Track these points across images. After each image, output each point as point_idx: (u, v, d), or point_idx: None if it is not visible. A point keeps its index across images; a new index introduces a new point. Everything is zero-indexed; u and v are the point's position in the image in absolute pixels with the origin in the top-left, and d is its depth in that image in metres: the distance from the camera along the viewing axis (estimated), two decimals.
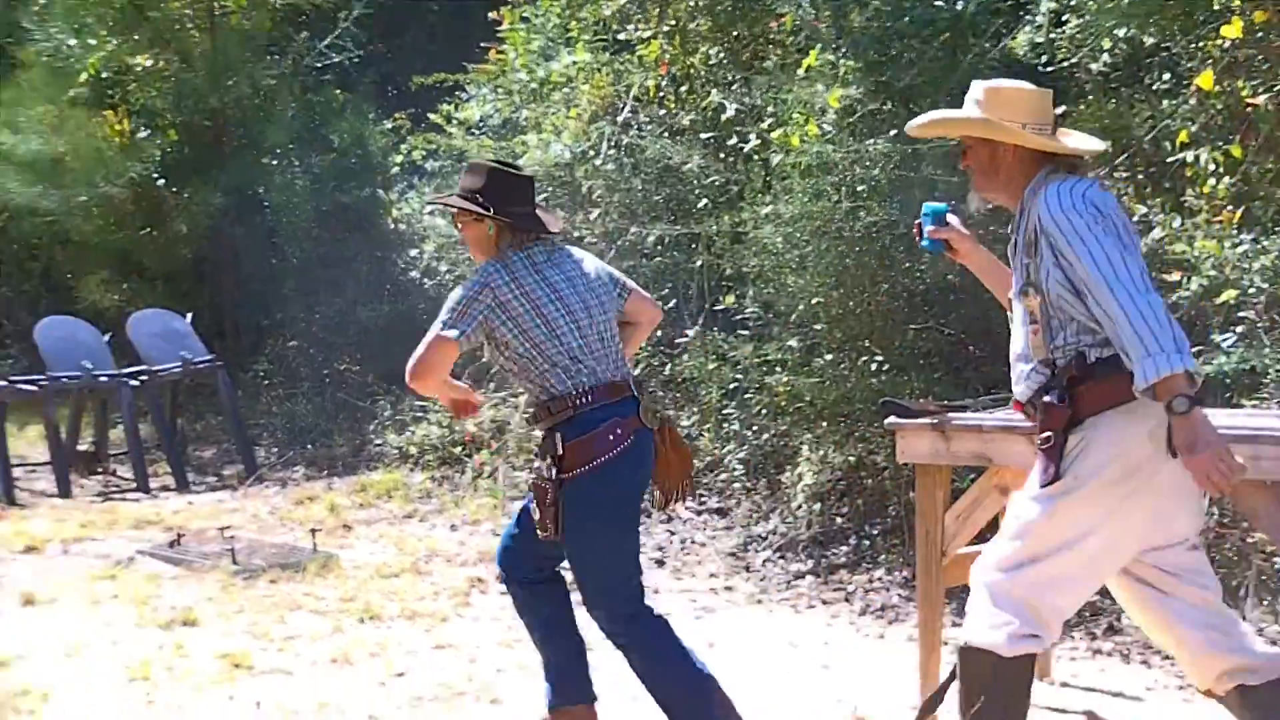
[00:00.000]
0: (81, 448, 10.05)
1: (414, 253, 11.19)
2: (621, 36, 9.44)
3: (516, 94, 10.18)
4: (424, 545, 7.67)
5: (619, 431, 4.23)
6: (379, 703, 5.08)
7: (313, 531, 7.58)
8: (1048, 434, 3.69)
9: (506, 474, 8.70)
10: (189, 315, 10.54)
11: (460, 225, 4.53)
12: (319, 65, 13.10)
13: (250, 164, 12.11)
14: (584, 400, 4.25)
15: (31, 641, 5.82)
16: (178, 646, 5.75)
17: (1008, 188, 3.88)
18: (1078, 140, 3.93)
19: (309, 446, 10.50)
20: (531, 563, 4.53)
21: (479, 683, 5.33)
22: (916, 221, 4.29)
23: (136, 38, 12.11)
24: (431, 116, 10.97)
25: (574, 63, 9.58)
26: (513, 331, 4.26)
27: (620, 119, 9.20)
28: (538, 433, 4.31)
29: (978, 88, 3.92)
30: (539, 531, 4.31)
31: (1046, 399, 3.70)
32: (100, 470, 10.03)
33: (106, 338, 10.27)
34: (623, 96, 9.27)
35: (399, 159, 11.92)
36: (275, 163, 12.17)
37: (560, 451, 4.22)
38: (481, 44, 10.65)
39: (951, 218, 4.25)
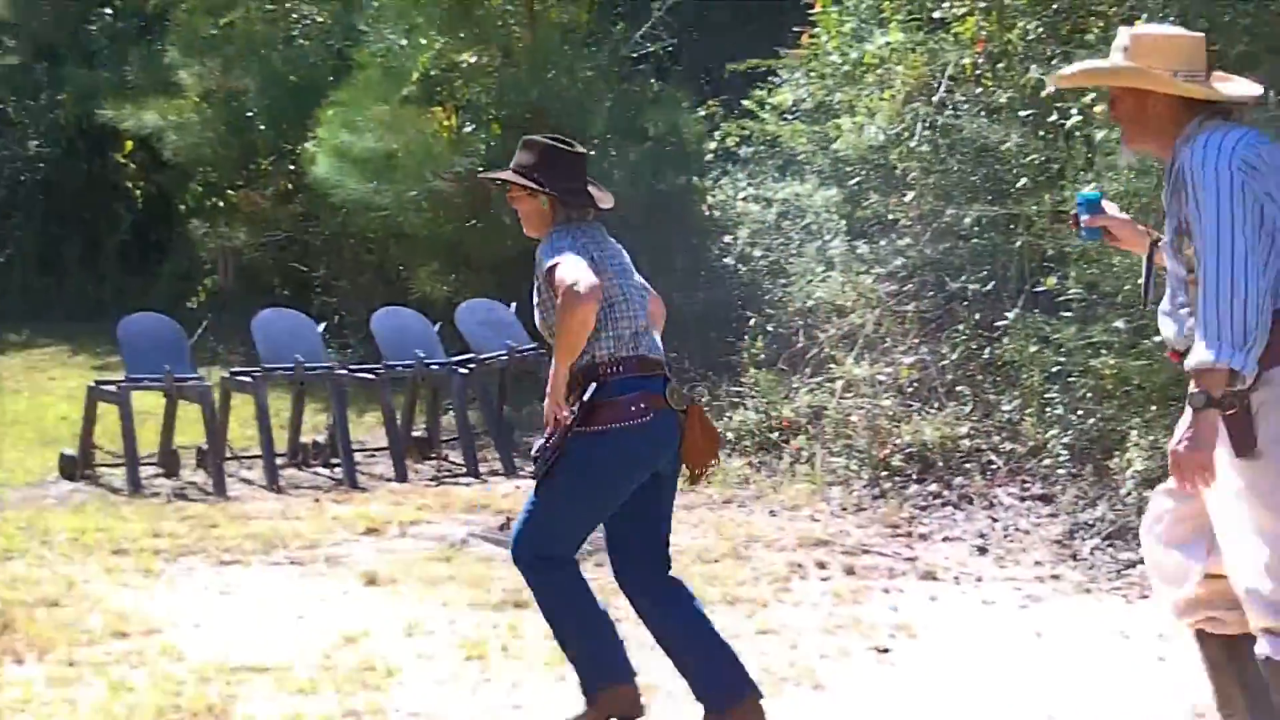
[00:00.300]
0: (415, 433, 10.44)
1: (728, 239, 11.26)
2: (936, 15, 9.29)
3: (829, 77, 10.13)
4: (743, 530, 7.74)
5: (642, 405, 4.42)
6: None
7: None
8: (1227, 401, 3.51)
9: (824, 460, 8.69)
10: (513, 305, 10.84)
11: (513, 200, 4.70)
12: (634, 55, 13.30)
13: None
14: (615, 370, 4.45)
15: (375, 619, 6.11)
16: (511, 627, 5.95)
17: (1159, 138, 3.78)
18: (1234, 86, 3.79)
19: None
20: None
21: (801, 668, 5.37)
22: (1072, 213, 4.27)
23: (462, 35, 12.50)
24: (744, 103, 11.03)
25: (887, 44, 9.48)
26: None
27: (935, 99, 9.07)
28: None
29: (1124, 35, 3.81)
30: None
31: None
32: (433, 455, 10.39)
33: (436, 327, 10.65)
34: (938, 76, 9.14)
35: (713, 146, 12.01)
36: (593, 153, 12.41)
37: (587, 401, 4.41)
38: (794, 28, 10.64)
39: (1107, 204, 4.20)
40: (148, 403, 10.50)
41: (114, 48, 18.90)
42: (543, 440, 4.51)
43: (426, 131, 12.34)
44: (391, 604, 6.42)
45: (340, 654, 5.61)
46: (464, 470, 9.82)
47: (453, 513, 8.46)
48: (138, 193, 18.62)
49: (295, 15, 15.50)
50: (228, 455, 9.68)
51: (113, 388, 9.49)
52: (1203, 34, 3.84)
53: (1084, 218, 4.18)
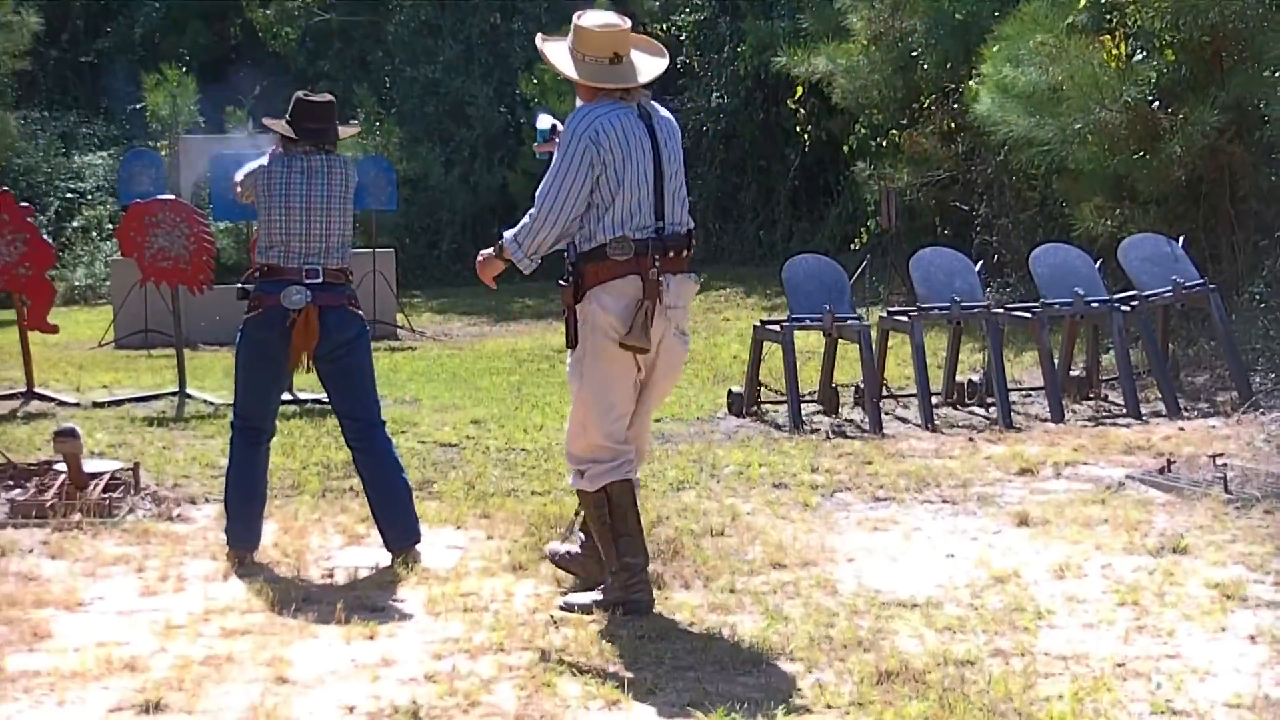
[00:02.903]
0: (1074, 373, 10.18)
1: None
2: None
3: None
4: None
5: (256, 301, 5.98)
6: None
7: None
8: (565, 308, 5.04)
9: None
10: (1180, 238, 10.32)
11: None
12: None
13: (1250, 78, 11.54)
14: (259, 272, 6.04)
15: (1025, 560, 6.01)
16: (1167, 573, 5.69)
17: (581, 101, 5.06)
18: (640, 69, 4.96)
19: None
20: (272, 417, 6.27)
21: None
22: (536, 144, 5.38)
23: None
24: None
25: None
26: (257, 199, 6.09)
27: None
28: None
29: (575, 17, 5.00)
30: None
31: (561, 280, 5.05)
32: (1092, 395, 10.10)
33: (1097, 264, 10.31)
34: None
35: None
36: (1277, 74, 11.51)
37: (248, 298, 6.03)
38: None
39: (560, 128, 5.14)
40: (810, 342, 10.85)
41: None
42: None
43: (1093, 61, 11.86)
44: (1043, 545, 6.29)
45: (989, 593, 5.56)
46: (1124, 411, 9.48)
47: (1110, 454, 8.18)
48: (806, 138, 19.21)
49: None
50: (885, 394, 9.84)
51: (776, 327, 9.85)
52: (622, 22, 4.91)
53: (536, 145, 5.32)
